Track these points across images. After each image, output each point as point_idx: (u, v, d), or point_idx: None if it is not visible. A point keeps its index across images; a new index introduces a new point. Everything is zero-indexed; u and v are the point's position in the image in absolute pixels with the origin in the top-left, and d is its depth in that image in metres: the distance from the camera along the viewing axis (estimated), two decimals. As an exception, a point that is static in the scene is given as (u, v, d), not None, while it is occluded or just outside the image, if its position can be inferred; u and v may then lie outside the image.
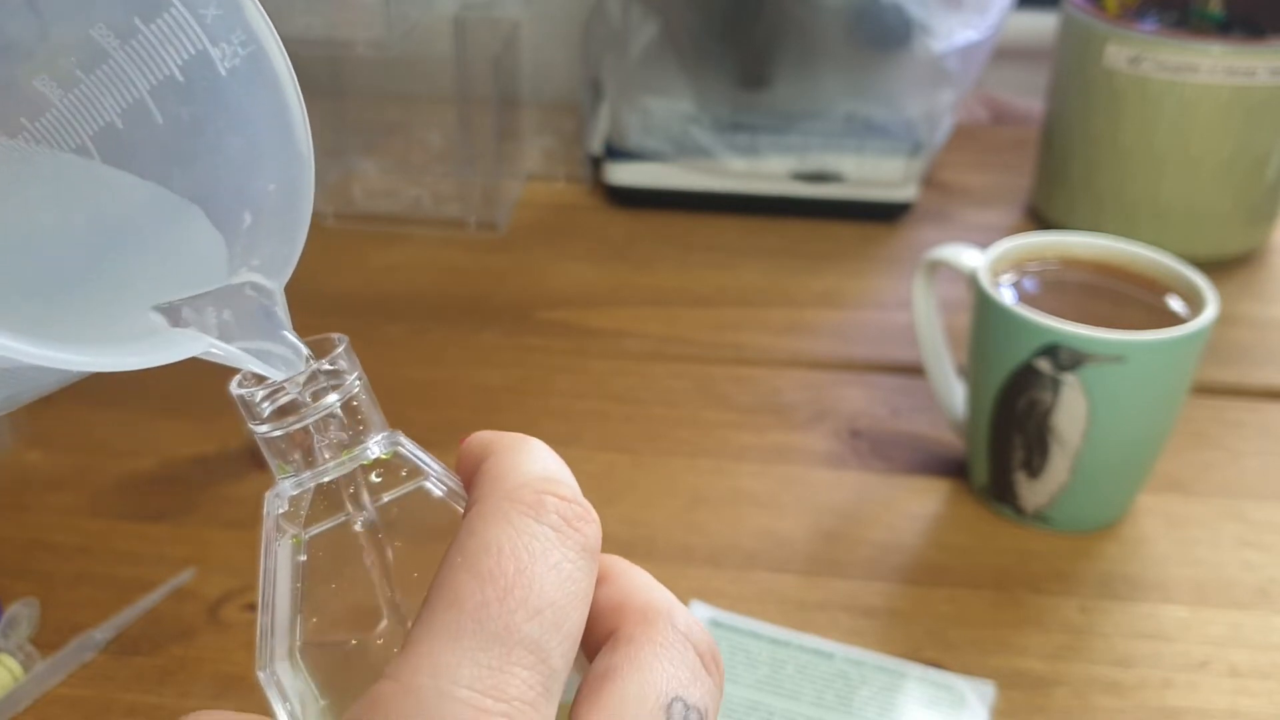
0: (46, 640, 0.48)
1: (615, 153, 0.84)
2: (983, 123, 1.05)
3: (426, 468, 0.23)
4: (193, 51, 0.22)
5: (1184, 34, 0.75)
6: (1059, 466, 0.53)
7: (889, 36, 0.81)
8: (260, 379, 0.21)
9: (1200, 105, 0.73)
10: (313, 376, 0.22)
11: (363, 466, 0.22)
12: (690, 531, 0.55)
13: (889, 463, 0.60)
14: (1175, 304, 0.54)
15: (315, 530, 0.22)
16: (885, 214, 0.84)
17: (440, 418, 0.62)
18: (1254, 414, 0.64)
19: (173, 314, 0.21)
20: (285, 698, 0.22)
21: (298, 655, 0.22)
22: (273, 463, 0.22)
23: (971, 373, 0.56)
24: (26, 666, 0.46)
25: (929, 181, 0.88)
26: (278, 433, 0.22)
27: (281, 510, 0.22)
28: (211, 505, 0.56)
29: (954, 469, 0.59)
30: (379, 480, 0.23)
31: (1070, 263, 0.57)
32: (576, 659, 0.20)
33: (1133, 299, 0.55)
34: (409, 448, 0.23)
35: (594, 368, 0.67)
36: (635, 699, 0.20)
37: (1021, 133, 0.97)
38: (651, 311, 0.73)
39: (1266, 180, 0.77)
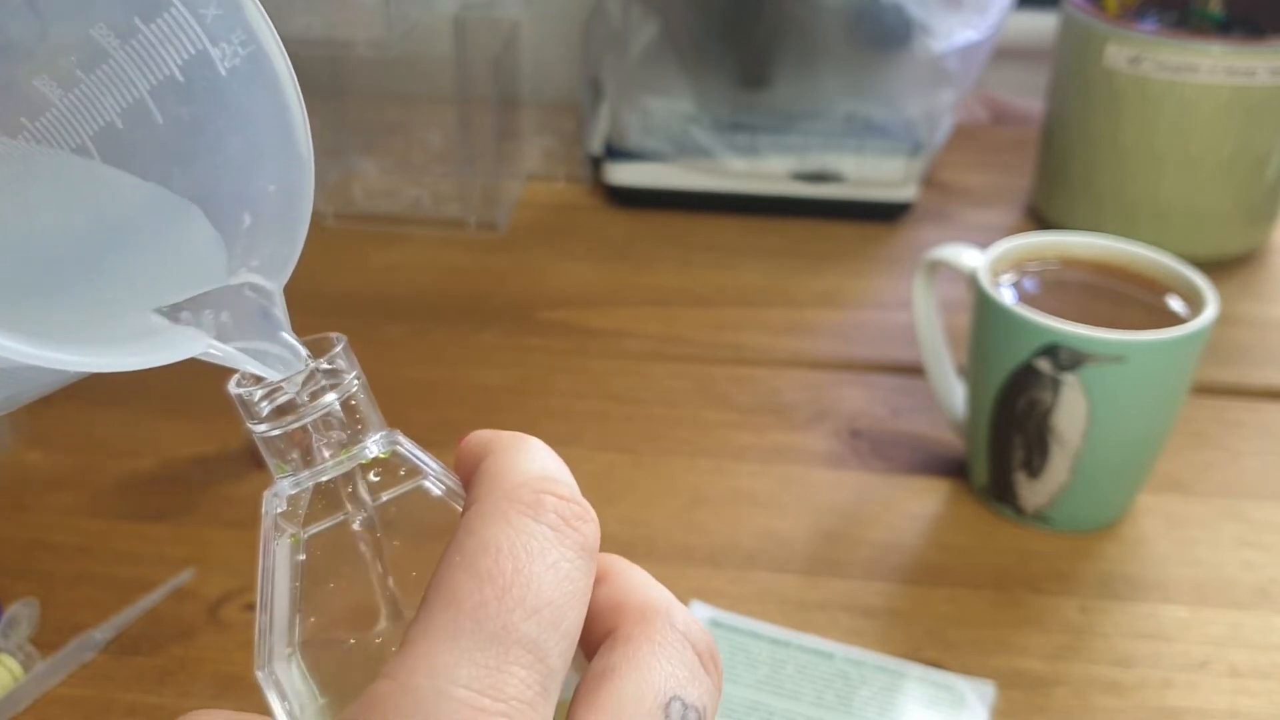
0: (46, 640, 0.48)
1: (615, 153, 0.84)
2: (983, 123, 1.05)
3: (425, 467, 0.23)
4: (193, 51, 0.22)
5: (1184, 34, 0.75)
6: (1059, 466, 0.53)
7: (889, 36, 0.81)
8: (259, 379, 0.21)
9: (1200, 105, 0.73)
10: (311, 376, 0.22)
11: (361, 466, 0.22)
12: (690, 531, 0.55)
13: (889, 463, 0.60)
14: (1175, 304, 0.54)
15: (314, 529, 0.22)
16: (885, 214, 0.84)
17: (440, 418, 0.62)
18: (1254, 414, 0.64)
19: (172, 314, 0.21)
20: (284, 697, 0.22)
21: (296, 654, 0.22)
22: (271, 462, 0.22)
23: (971, 373, 0.56)
24: (26, 666, 0.46)
25: (929, 181, 0.88)
26: (276, 432, 0.22)
27: (280, 509, 0.22)
28: (211, 505, 0.56)
29: (954, 469, 0.59)
30: (377, 479, 0.23)
31: (1070, 263, 0.57)
32: (575, 658, 0.20)
33: (1133, 299, 0.55)
34: (407, 447, 0.23)
35: (594, 368, 0.67)
36: (633, 698, 0.20)
37: (1021, 133, 0.97)
38: (651, 311, 0.73)
39: (1266, 180, 0.77)
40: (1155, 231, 0.74)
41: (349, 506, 0.22)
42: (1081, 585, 0.52)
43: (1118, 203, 0.78)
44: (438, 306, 0.73)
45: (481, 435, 0.23)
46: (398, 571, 0.23)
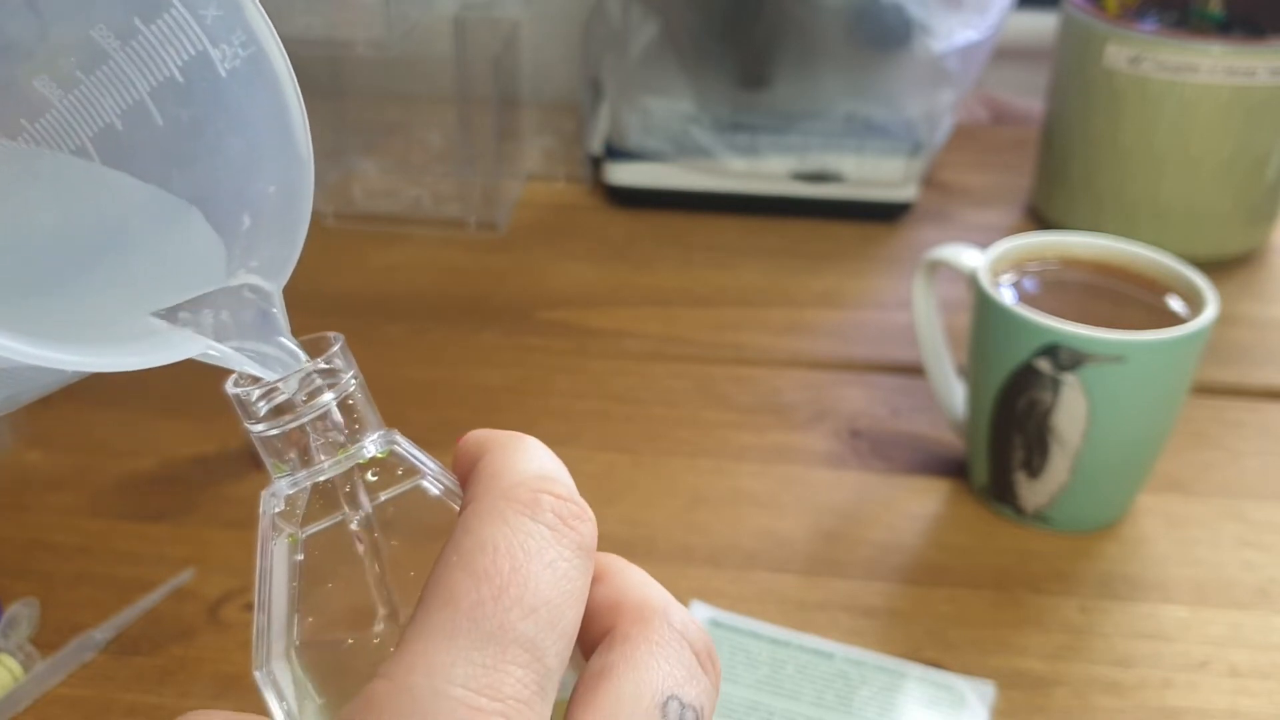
0: (46, 640, 0.48)
1: (615, 153, 0.84)
2: (983, 123, 1.05)
3: (422, 466, 0.23)
4: (193, 52, 0.22)
5: (1184, 34, 0.75)
6: (1059, 466, 0.53)
7: (889, 36, 0.81)
8: (256, 379, 0.21)
9: (1200, 105, 0.73)
10: (308, 376, 0.22)
11: (359, 465, 0.22)
12: (690, 531, 0.55)
13: (889, 463, 0.60)
14: (1175, 304, 0.54)
15: (312, 529, 0.22)
16: (885, 214, 0.84)
17: (440, 418, 0.62)
18: (1254, 414, 0.64)
19: (171, 315, 0.21)
20: (281, 697, 0.22)
21: (294, 654, 0.22)
22: (269, 462, 0.22)
23: (971, 373, 0.56)
24: (26, 666, 0.46)
25: (929, 181, 0.88)
26: (274, 432, 0.22)
27: (278, 509, 0.22)
28: (211, 505, 0.56)
29: (954, 469, 0.59)
30: (375, 479, 0.23)
31: (1070, 263, 0.57)
32: (572, 657, 0.20)
33: (1133, 299, 0.55)
34: (405, 446, 0.23)
35: (594, 368, 0.67)
36: (631, 697, 0.20)
37: (1021, 133, 0.97)
38: (651, 311, 0.73)
39: (1266, 180, 0.77)
40: (1155, 231, 0.74)
41: (347, 506, 0.22)
42: (1081, 585, 0.52)
43: (1118, 203, 0.78)
44: (438, 306, 0.73)
45: (479, 435, 0.23)
46: (395, 571, 0.23)
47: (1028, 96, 1.02)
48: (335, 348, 0.22)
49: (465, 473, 0.22)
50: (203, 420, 0.61)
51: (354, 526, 0.23)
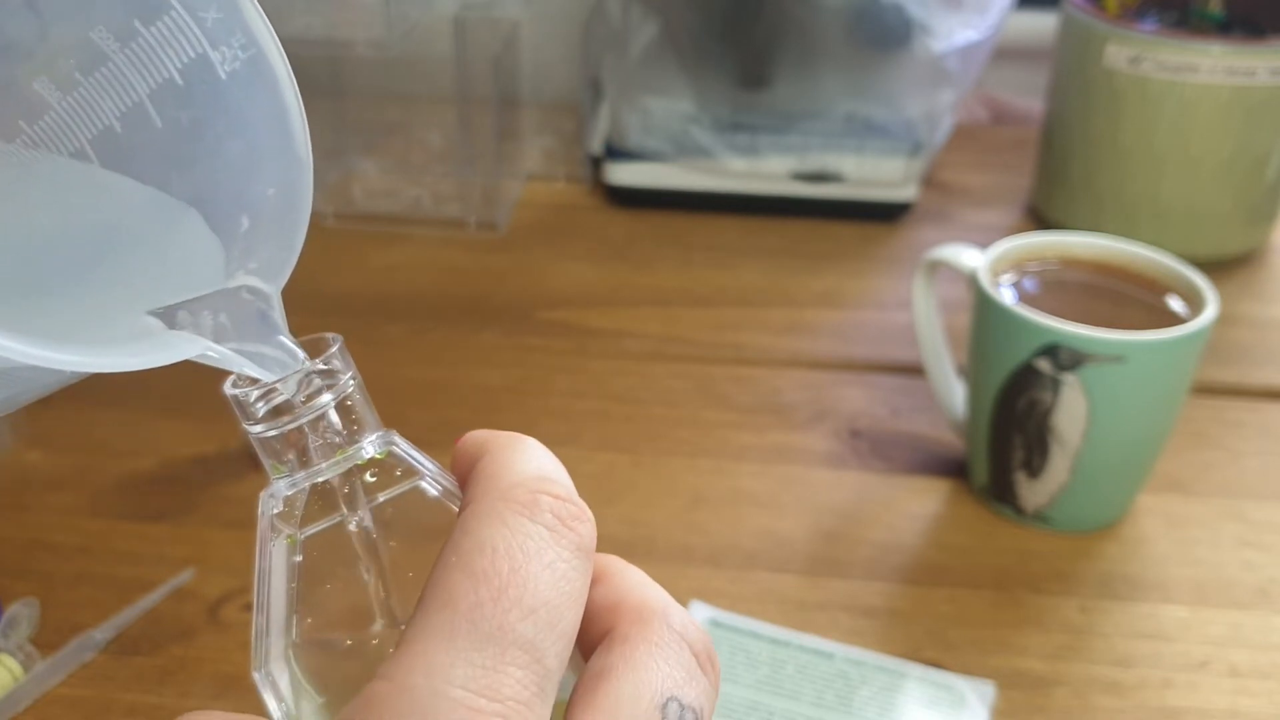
0: (46, 640, 0.48)
1: (615, 153, 0.84)
2: (983, 123, 1.05)
3: (421, 467, 0.23)
4: (192, 55, 0.22)
5: (1184, 34, 0.75)
6: (1059, 466, 0.53)
7: (889, 36, 0.81)
8: (255, 380, 0.21)
9: (1200, 105, 0.73)
10: (307, 377, 0.22)
11: (357, 466, 0.22)
12: (690, 531, 0.55)
13: (889, 463, 0.60)
14: (1175, 304, 0.54)
15: (310, 530, 0.22)
16: (885, 214, 0.84)
17: (440, 418, 0.62)
18: (1254, 414, 0.64)
19: (170, 316, 0.21)
20: (280, 698, 0.22)
21: (293, 655, 0.22)
22: (267, 463, 0.22)
23: (971, 373, 0.56)
24: (26, 666, 0.46)
25: (929, 181, 0.88)
26: (272, 433, 0.22)
27: (276, 510, 0.22)
28: (211, 505, 0.56)
29: (954, 469, 0.59)
30: (374, 480, 0.23)
31: (1070, 263, 0.57)
32: (572, 658, 0.20)
33: (1133, 299, 0.55)
34: (403, 447, 0.23)
35: (594, 368, 0.67)
36: (630, 698, 0.20)
37: (1021, 133, 0.97)
38: (651, 311, 0.73)
39: (1266, 180, 0.77)
40: (1155, 231, 0.74)
41: (345, 507, 0.23)
42: (1081, 585, 0.52)
43: (1118, 203, 0.78)
44: (438, 306, 0.73)
45: (477, 435, 0.23)
46: (394, 572, 0.23)
47: (1028, 96, 1.02)
48: (334, 349, 0.22)
49: (464, 473, 0.22)
50: (203, 420, 0.61)
51: (352, 528, 0.23)
